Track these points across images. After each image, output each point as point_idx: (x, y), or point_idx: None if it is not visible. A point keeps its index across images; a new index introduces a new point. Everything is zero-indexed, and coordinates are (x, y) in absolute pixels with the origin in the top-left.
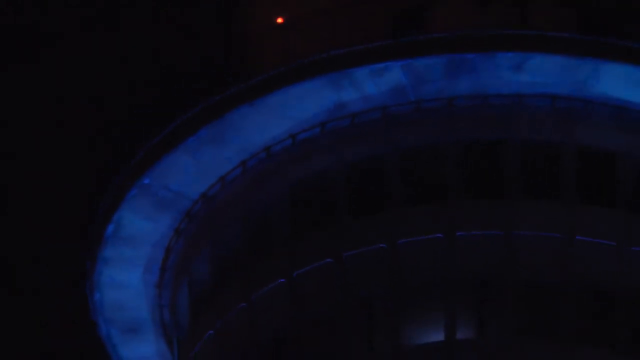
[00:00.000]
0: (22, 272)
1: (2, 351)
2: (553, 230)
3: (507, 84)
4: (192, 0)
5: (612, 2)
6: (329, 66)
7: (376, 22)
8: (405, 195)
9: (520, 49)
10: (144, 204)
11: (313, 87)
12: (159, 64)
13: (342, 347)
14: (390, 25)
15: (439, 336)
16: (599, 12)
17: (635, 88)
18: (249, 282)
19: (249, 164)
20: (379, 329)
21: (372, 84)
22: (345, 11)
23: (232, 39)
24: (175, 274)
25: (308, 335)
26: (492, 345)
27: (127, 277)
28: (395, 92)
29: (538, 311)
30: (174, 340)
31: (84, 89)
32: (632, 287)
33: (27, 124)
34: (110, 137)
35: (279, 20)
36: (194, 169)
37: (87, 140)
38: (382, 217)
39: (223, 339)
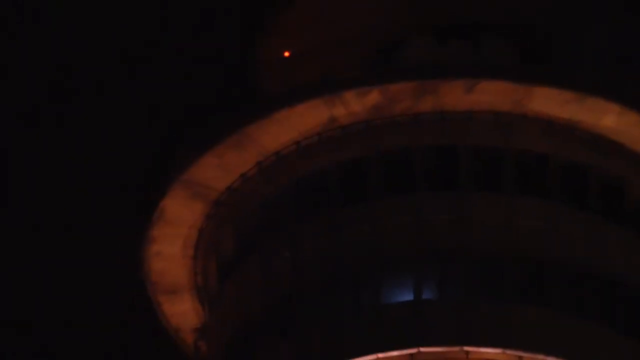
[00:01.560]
0: (92, 251)
1: (71, 309)
2: (497, 214)
3: (461, 102)
4: (223, 40)
5: (545, 36)
6: (324, 89)
7: (361, 56)
8: (382, 188)
9: (471, 76)
10: (182, 195)
11: (312, 105)
12: (194, 88)
13: (335, 304)
14: (371, 58)
15: (409, 296)
16: (535, 44)
17: (561, 106)
18: (263, 255)
19: (263, 165)
20: (363, 290)
21: (357, 103)
22: (338, 47)
23: (251, 68)
24: (205, 249)
25: (308, 295)
26: (450, 303)
27: (169, 251)
28: (375, 109)
29: (486, 277)
30: (205, 300)
31: (143, 106)
32: (559, 258)
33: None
34: (158, 143)
35: (286, 54)
36: (220, 168)
37: (140, 146)
38: (365, 205)
39: (242, 299)
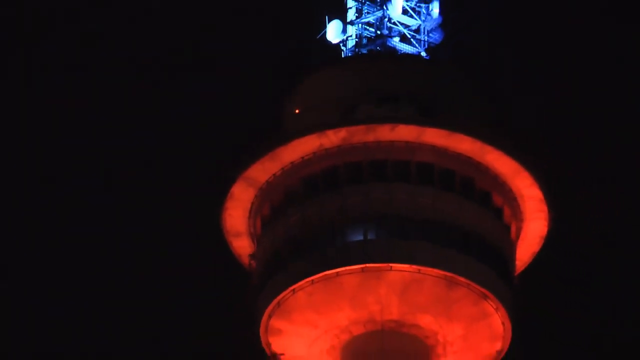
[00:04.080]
0: (192, 216)
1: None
2: (407, 195)
3: (388, 136)
4: (265, 101)
5: (432, 101)
6: (317, 129)
7: (336, 112)
8: (348, 181)
9: (393, 122)
10: (242, 184)
11: (310, 138)
12: (250, 125)
13: (320, 240)
14: (342, 112)
15: (360, 237)
16: (427, 105)
17: (440, 137)
18: (284, 218)
19: (284, 169)
20: (336, 234)
21: (334, 136)
22: (324, 107)
23: (279, 117)
24: (254, 213)
25: (308, 237)
26: (382, 241)
27: (235, 214)
28: (343, 140)
29: (401, 227)
30: (254, 239)
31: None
32: (441, 218)
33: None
34: (230, 155)
35: (297, 110)
36: (262, 170)
37: (220, 156)
38: (338, 191)
39: (274, 239)
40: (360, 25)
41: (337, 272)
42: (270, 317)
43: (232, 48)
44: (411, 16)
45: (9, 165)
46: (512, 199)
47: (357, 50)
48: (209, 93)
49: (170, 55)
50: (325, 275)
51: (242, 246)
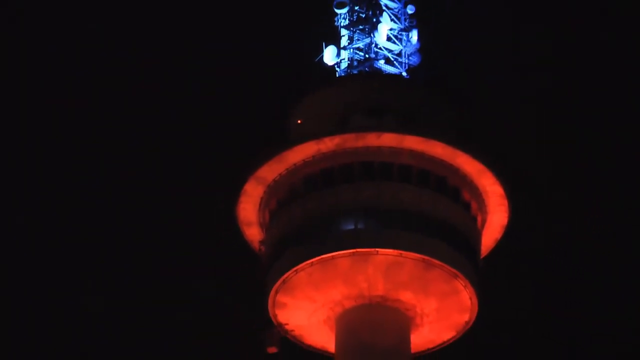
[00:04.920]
0: (209, 209)
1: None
2: (391, 192)
3: (375, 142)
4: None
5: (412, 112)
6: (315, 137)
7: (333, 121)
8: (341, 180)
9: (378, 131)
10: (253, 183)
11: (310, 144)
12: (260, 132)
13: (318, 229)
14: (337, 123)
15: (352, 226)
16: (407, 117)
17: (418, 143)
18: (289, 210)
19: (289, 169)
20: (332, 224)
21: (330, 142)
22: (322, 118)
23: (284, 130)
24: (264, 206)
25: (308, 227)
26: (370, 230)
27: (248, 208)
28: (338, 145)
29: (387, 218)
30: (263, 228)
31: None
32: (419, 210)
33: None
34: (243, 158)
35: (299, 121)
36: (270, 170)
37: (234, 158)
38: (333, 188)
39: (280, 228)
40: (351, 50)
41: (333, 256)
42: (276, 292)
43: (232, 48)
44: (394, 42)
45: (9, 165)
46: (478, 194)
47: (349, 71)
48: (209, 93)
49: (170, 55)
50: (323, 258)
51: (253, 234)
